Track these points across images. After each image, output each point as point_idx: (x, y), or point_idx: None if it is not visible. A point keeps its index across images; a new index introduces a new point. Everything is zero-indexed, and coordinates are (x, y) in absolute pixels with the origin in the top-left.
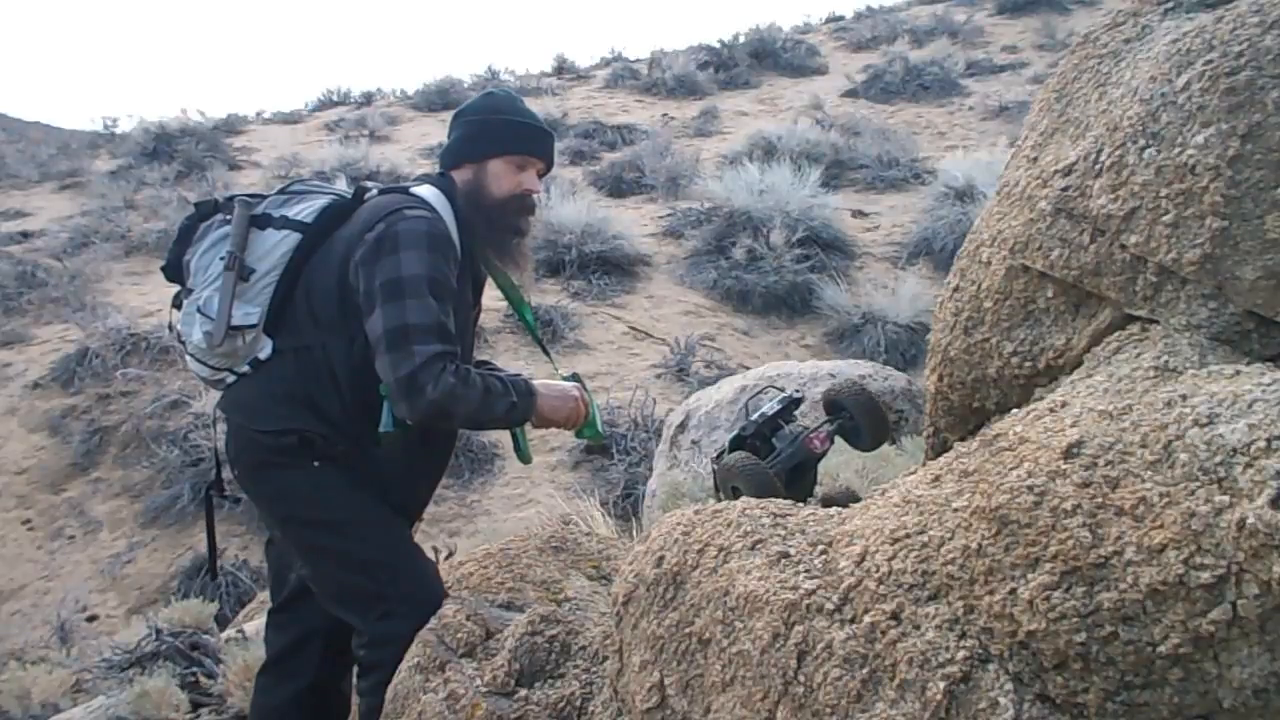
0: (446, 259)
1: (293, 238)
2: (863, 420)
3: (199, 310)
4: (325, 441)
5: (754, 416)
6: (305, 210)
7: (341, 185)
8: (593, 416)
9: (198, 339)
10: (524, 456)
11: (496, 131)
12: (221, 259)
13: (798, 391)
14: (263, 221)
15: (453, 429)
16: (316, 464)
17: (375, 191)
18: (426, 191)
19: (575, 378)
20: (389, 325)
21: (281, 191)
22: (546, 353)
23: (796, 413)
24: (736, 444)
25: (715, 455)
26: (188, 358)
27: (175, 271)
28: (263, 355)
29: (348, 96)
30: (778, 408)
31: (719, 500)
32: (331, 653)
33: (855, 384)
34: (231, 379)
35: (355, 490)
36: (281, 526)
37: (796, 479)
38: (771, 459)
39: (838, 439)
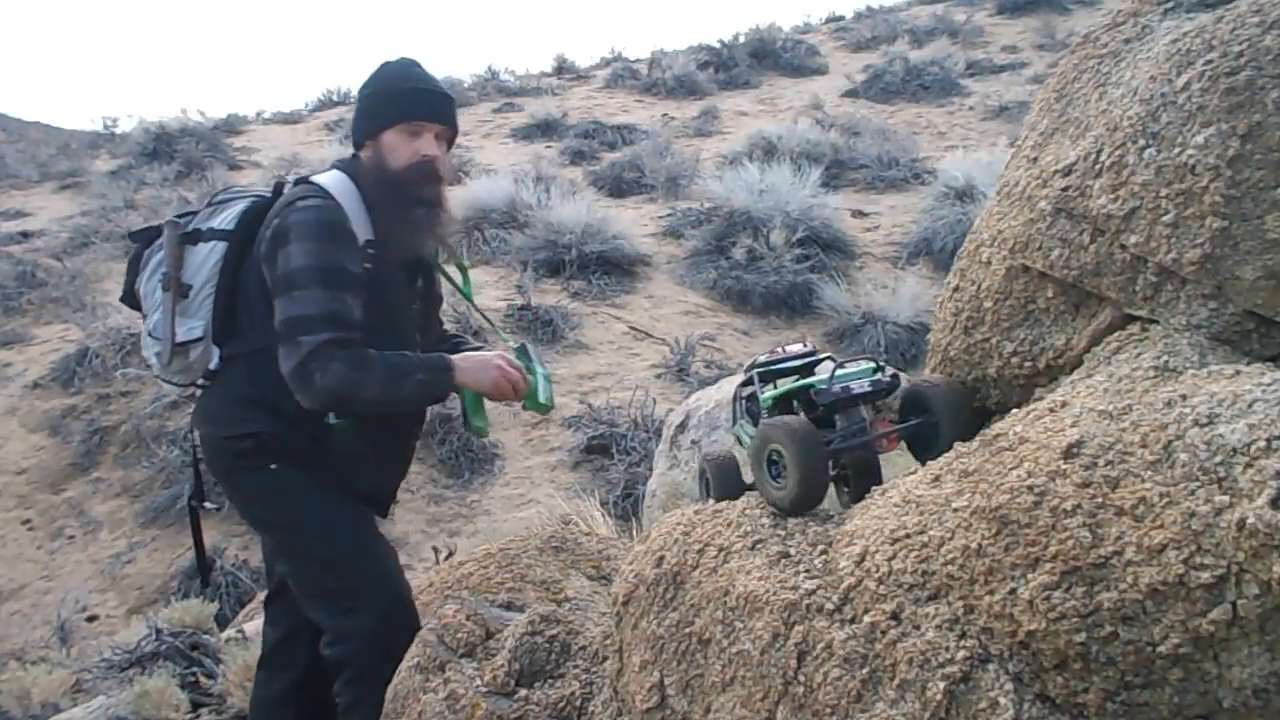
0: (341, 245)
1: (220, 247)
2: (948, 428)
3: (149, 334)
4: (282, 442)
5: (836, 385)
6: (227, 217)
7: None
8: (533, 388)
9: (152, 361)
10: (473, 427)
11: (384, 102)
12: (160, 281)
13: (893, 377)
14: (194, 237)
15: (372, 413)
16: (274, 466)
17: (291, 185)
18: (328, 178)
19: (523, 349)
20: (279, 320)
21: (209, 204)
22: (491, 323)
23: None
24: (783, 406)
25: (745, 387)
26: (160, 380)
27: (132, 301)
28: (213, 365)
29: (348, 96)
30: (868, 390)
31: (737, 435)
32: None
33: (951, 382)
34: (199, 392)
35: (317, 490)
36: (255, 528)
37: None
38: (828, 437)
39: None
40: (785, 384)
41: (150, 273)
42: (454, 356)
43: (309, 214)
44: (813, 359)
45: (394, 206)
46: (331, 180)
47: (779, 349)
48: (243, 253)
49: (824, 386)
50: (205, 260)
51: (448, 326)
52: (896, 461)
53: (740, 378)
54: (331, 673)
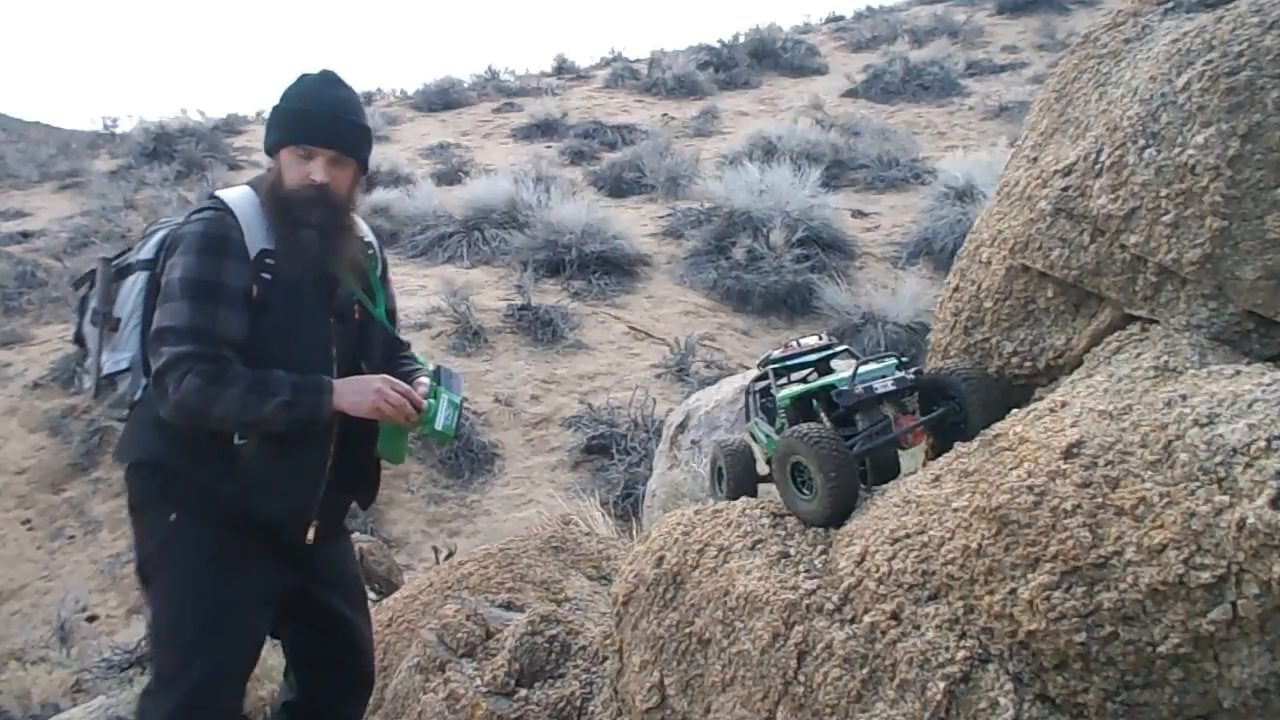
0: (221, 258)
1: (143, 276)
2: (977, 414)
3: (84, 370)
4: (186, 478)
5: (859, 386)
6: (148, 247)
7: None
8: (430, 413)
9: (93, 395)
10: (381, 454)
11: (280, 120)
12: (91, 318)
13: (915, 373)
14: (124, 271)
15: (240, 431)
16: (174, 517)
17: None
18: (232, 192)
19: (438, 373)
20: (151, 331)
21: (143, 236)
22: (400, 341)
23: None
24: (802, 405)
25: (755, 387)
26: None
27: (82, 343)
28: (138, 395)
29: None
30: (892, 389)
31: (754, 436)
32: (311, 670)
33: (975, 367)
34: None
35: (204, 563)
36: (137, 566)
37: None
38: (851, 439)
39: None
40: (799, 385)
41: (89, 313)
42: (337, 380)
43: (195, 227)
44: (829, 351)
45: (283, 224)
46: (234, 193)
47: (793, 342)
48: (159, 280)
49: (845, 388)
50: (130, 291)
51: (446, 329)
52: (915, 453)
53: (754, 372)
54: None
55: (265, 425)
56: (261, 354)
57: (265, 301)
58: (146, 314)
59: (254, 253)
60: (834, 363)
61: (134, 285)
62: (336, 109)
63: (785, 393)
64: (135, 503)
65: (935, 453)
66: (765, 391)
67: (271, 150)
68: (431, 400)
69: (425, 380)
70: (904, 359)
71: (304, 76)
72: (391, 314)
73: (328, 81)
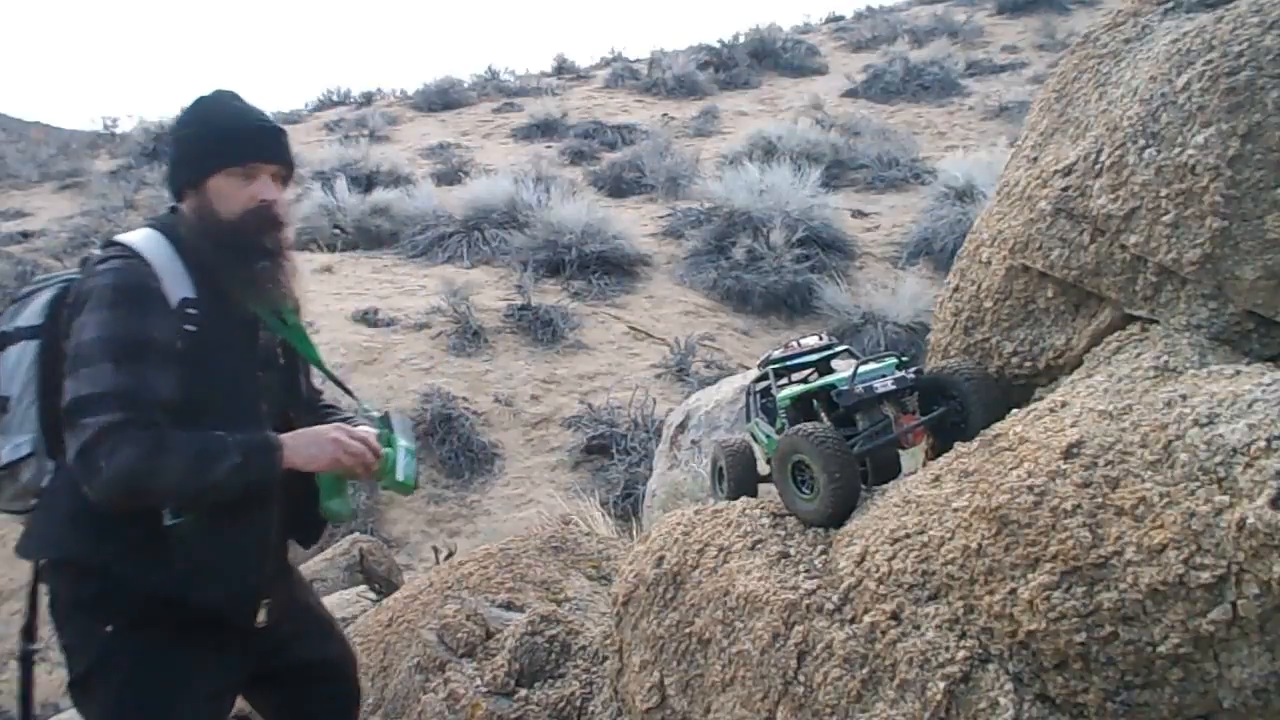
0: (142, 311)
1: (30, 346)
2: (978, 413)
3: None
4: (116, 580)
5: (859, 386)
6: (33, 310)
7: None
8: (389, 463)
9: None
10: (327, 511)
11: (209, 144)
12: None
13: (915, 372)
14: (1, 342)
15: (183, 505)
16: (110, 629)
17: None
18: (136, 236)
19: (385, 419)
20: (64, 403)
21: (13, 300)
22: (344, 387)
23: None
24: (802, 405)
25: (756, 387)
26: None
27: None
28: (45, 483)
29: (348, 96)
30: (893, 389)
31: (755, 433)
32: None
33: (975, 366)
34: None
35: (147, 686)
36: (69, 683)
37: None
38: (851, 439)
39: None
40: (799, 385)
41: None
42: (286, 434)
43: (104, 278)
44: (829, 352)
45: (230, 262)
46: (142, 237)
47: (794, 342)
48: (58, 346)
49: (845, 387)
50: (18, 365)
51: (446, 329)
52: (915, 453)
53: (754, 373)
54: None
55: (215, 493)
56: (188, 416)
57: (190, 357)
58: (44, 387)
59: (175, 302)
60: (834, 363)
61: (20, 357)
62: (263, 120)
63: (785, 393)
64: (59, 607)
65: (935, 453)
66: (766, 392)
67: (195, 182)
68: (388, 449)
69: (370, 427)
70: (904, 358)
71: (204, 99)
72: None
73: (235, 96)
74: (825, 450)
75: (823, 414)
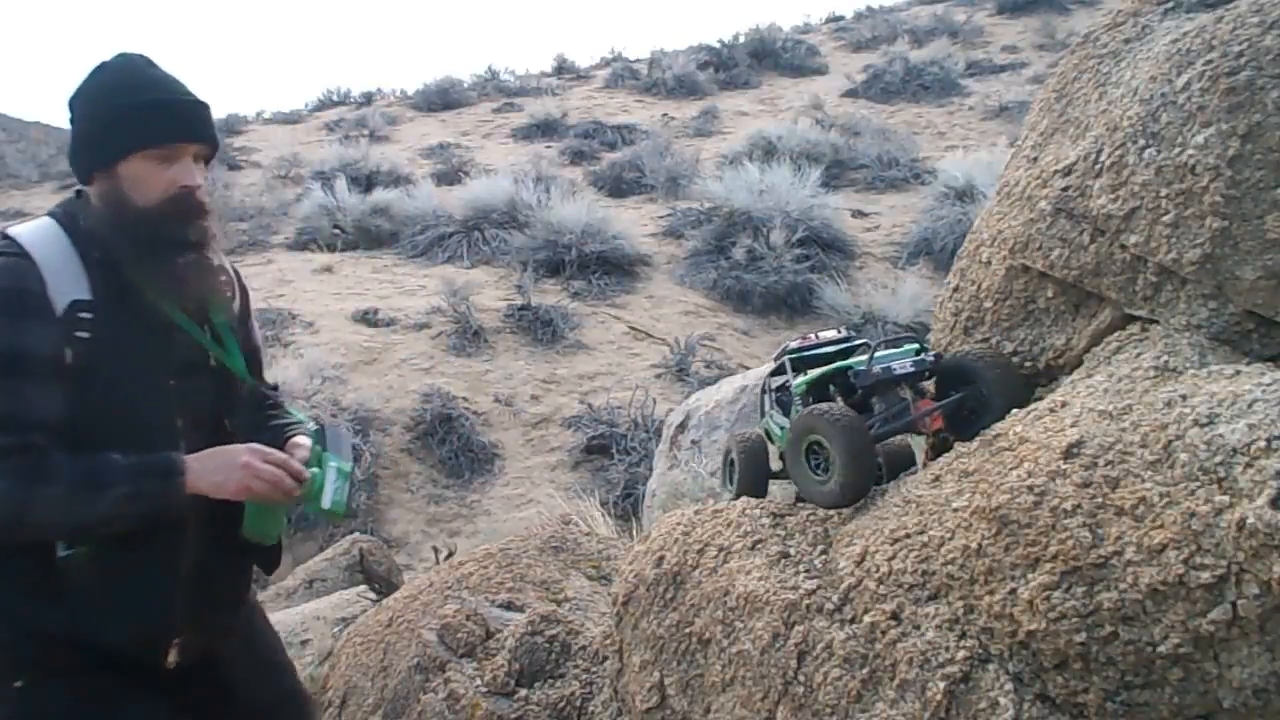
0: (21, 317)
1: None
2: (998, 399)
3: None
4: (16, 626)
5: (877, 366)
6: None
7: None
8: (315, 487)
9: None
10: (251, 533)
11: (124, 121)
12: None
13: (936, 356)
14: None
15: (71, 539)
16: (19, 684)
17: None
18: (27, 228)
19: (321, 433)
20: None
21: None
22: (268, 391)
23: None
24: (818, 391)
25: (775, 376)
26: None
27: None
28: None
29: (348, 96)
30: (911, 371)
31: (766, 426)
32: None
33: (994, 352)
34: None
35: None
36: None
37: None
38: (869, 423)
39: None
40: (815, 371)
41: None
42: (191, 456)
43: None
44: (847, 345)
45: (146, 255)
46: (33, 230)
47: (811, 335)
48: None
49: (863, 368)
50: None
51: (446, 329)
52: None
53: (769, 366)
54: None
55: (103, 526)
56: (84, 435)
57: (84, 368)
58: None
59: (62, 307)
60: (853, 358)
61: None
62: (183, 93)
63: (802, 379)
64: None
65: (935, 453)
66: (782, 387)
67: (104, 165)
68: (315, 469)
69: (305, 441)
70: (924, 344)
71: (107, 66)
72: (253, 357)
73: (146, 63)
74: (841, 427)
75: (839, 399)
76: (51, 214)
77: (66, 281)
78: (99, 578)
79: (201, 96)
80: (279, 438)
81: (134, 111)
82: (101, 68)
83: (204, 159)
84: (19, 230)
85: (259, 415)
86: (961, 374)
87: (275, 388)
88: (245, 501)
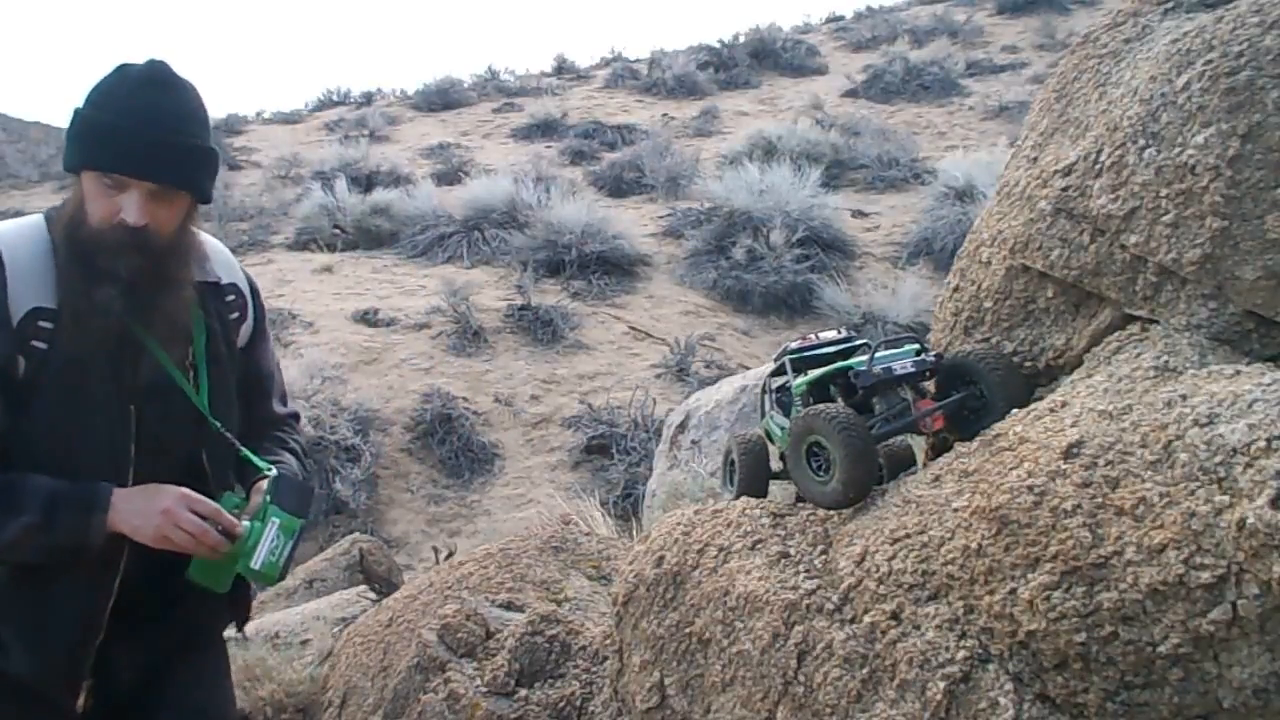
0: None
1: None
2: (999, 398)
3: None
4: None
5: (878, 366)
6: None
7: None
8: (244, 546)
9: None
10: (200, 581)
11: (84, 134)
12: None
13: (937, 356)
14: None
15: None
16: None
17: None
18: (8, 226)
19: (277, 482)
20: None
21: None
22: (234, 442)
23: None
24: (819, 391)
25: (775, 376)
26: None
27: None
28: None
29: (348, 96)
30: (912, 371)
31: (768, 427)
32: None
33: (996, 351)
34: None
35: None
36: None
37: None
38: (870, 423)
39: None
40: (815, 371)
41: None
42: (120, 491)
43: None
44: (848, 345)
45: (79, 273)
46: (14, 228)
47: (811, 335)
48: None
49: (864, 368)
50: None
51: (446, 329)
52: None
53: (769, 367)
54: None
55: (6, 554)
56: (26, 456)
57: (34, 382)
58: None
59: (20, 314)
60: (854, 358)
61: None
62: (159, 124)
63: (802, 380)
64: None
65: (935, 453)
66: (782, 388)
67: (73, 168)
68: (256, 523)
69: (263, 487)
70: (924, 344)
71: (122, 69)
72: (260, 383)
73: (152, 83)
74: (841, 427)
75: (839, 399)
76: (45, 214)
77: (31, 286)
78: (10, 602)
79: (194, 140)
80: (249, 480)
81: (93, 128)
82: (117, 70)
83: (162, 199)
84: (6, 226)
85: (230, 451)
86: (962, 373)
87: (295, 415)
88: None
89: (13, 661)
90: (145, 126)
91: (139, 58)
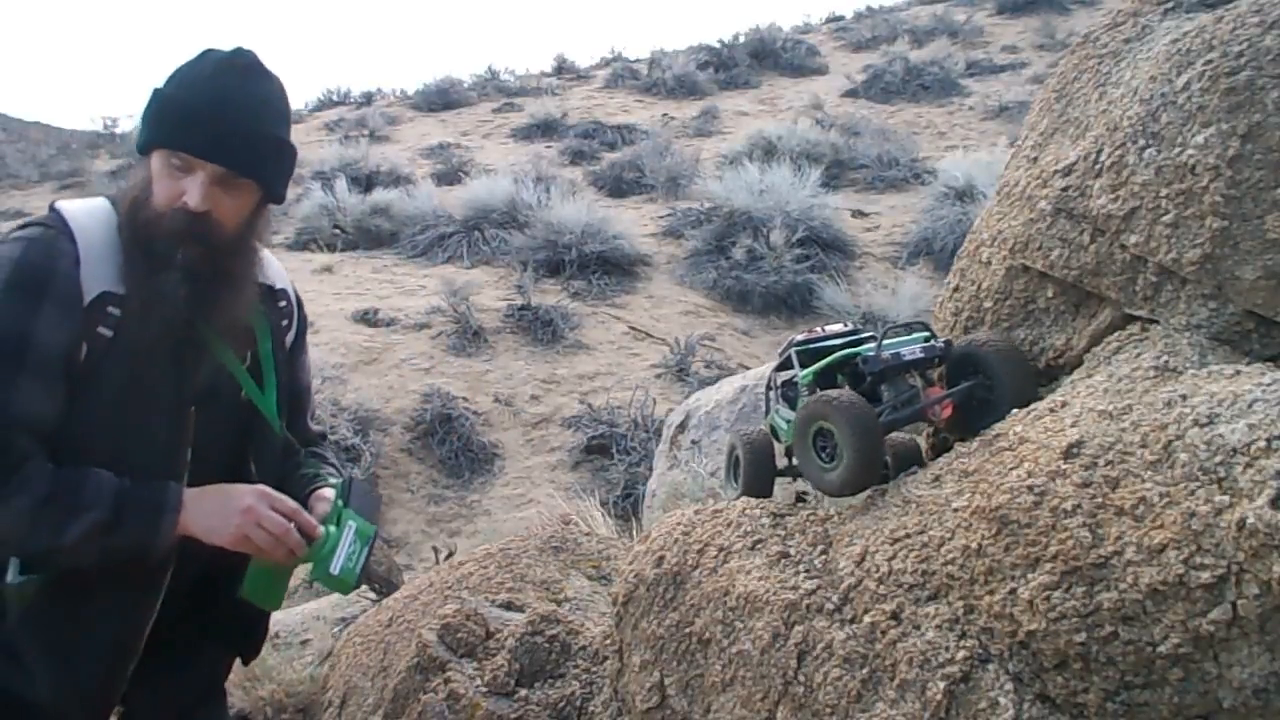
0: (35, 301)
1: None
2: (1009, 389)
3: None
4: None
5: (886, 352)
6: None
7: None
8: (327, 547)
9: None
10: (252, 597)
11: (157, 112)
12: None
13: (946, 343)
14: None
15: (36, 563)
16: None
17: None
18: (79, 204)
19: (347, 486)
20: None
21: None
22: (299, 447)
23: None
24: (825, 381)
25: (781, 370)
26: None
27: None
28: None
29: (348, 96)
30: (921, 356)
31: (772, 420)
32: None
33: (1005, 340)
34: None
35: None
36: None
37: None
38: (878, 409)
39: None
40: (822, 360)
41: None
42: (189, 492)
43: (4, 250)
44: (855, 338)
45: (140, 258)
46: (84, 208)
47: (818, 328)
48: None
49: (872, 354)
50: None
51: (446, 329)
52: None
53: (775, 361)
54: None
55: (67, 556)
56: (78, 448)
57: (95, 371)
58: None
59: (90, 296)
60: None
61: None
62: (234, 107)
63: (809, 370)
64: None
65: (936, 453)
66: (788, 382)
67: (144, 149)
68: (331, 528)
69: (329, 494)
70: (933, 331)
71: (206, 53)
72: (298, 397)
73: (234, 67)
74: (848, 411)
75: (847, 388)
76: (111, 196)
77: (102, 269)
78: (42, 619)
79: (268, 128)
80: (302, 490)
81: (166, 107)
82: (202, 53)
83: (227, 185)
84: (68, 205)
85: (285, 463)
86: (972, 362)
87: (324, 435)
88: (250, 555)
89: (38, 688)
90: (218, 108)
91: (224, 45)
